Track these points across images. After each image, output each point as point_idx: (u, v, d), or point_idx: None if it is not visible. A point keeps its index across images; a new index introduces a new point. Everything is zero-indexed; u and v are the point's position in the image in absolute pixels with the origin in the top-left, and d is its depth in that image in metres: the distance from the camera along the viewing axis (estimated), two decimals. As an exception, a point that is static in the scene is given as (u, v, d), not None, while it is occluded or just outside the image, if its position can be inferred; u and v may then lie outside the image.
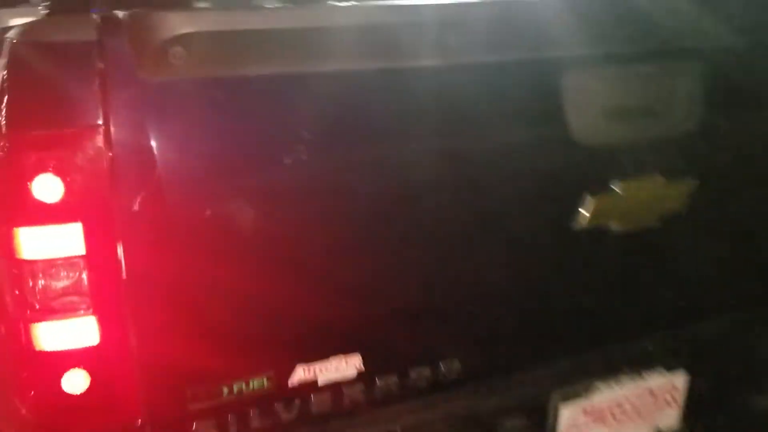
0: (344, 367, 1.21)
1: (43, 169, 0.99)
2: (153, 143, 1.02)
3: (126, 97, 1.01)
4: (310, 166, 1.10)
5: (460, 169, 1.22)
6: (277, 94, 1.09)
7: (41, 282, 1.03)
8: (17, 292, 1.04)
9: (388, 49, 1.16)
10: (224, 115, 1.07)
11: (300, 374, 1.19)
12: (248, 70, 1.08)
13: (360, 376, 1.23)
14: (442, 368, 1.29)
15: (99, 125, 1.00)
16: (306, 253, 1.15)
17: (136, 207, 1.02)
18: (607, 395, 1.46)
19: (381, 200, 1.17)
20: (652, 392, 1.50)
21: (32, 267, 1.02)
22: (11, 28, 1.06)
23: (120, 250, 1.03)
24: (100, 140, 1.00)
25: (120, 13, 1.03)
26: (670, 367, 1.51)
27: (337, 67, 1.11)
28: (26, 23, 1.13)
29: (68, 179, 1.00)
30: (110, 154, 1.00)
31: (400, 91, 1.17)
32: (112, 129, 1.00)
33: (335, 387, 1.21)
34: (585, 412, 1.44)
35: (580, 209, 1.31)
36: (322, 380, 1.20)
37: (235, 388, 1.15)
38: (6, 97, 0.99)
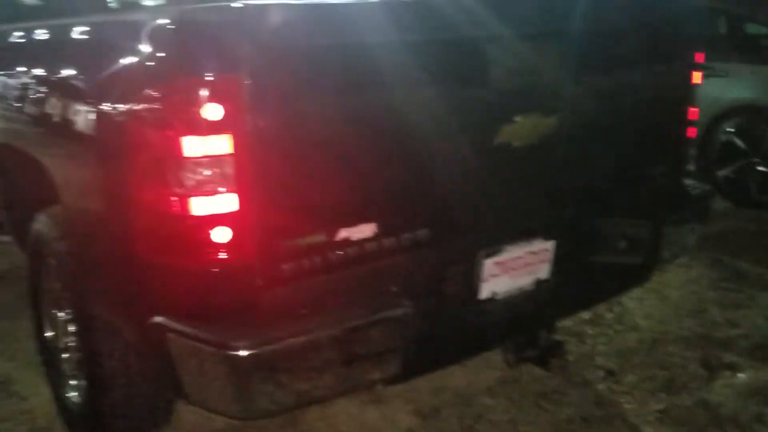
0: (366, 230, 1.94)
1: (212, 100, 1.64)
2: (274, 86, 1.69)
3: (257, 57, 1.66)
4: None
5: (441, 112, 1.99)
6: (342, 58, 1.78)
7: (204, 171, 1.67)
8: (188, 179, 1.67)
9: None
10: (317, 71, 1.75)
11: (342, 233, 1.90)
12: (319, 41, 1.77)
13: (374, 236, 1.95)
14: (419, 234, 2.06)
15: (244, 74, 1.65)
16: (351, 166, 1.86)
17: (263, 125, 1.69)
18: (509, 254, 2.28)
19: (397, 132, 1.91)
20: (534, 253, 2.36)
21: (199, 160, 1.66)
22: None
23: (253, 152, 1.69)
24: (245, 83, 1.65)
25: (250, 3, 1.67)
26: (546, 237, 2.37)
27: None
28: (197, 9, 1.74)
29: (226, 106, 1.65)
30: (250, 92, 1.66)
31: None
32: (250, 77, 1.66)
33: (360, 242, 1.94)
34: (496, 264, 2.26)
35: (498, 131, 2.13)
36: (354, 237, 1.92)
37: (307, 240, 1.84)
38: (193, 58, 1.63)
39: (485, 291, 2.26)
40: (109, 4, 2.38)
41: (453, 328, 2.17)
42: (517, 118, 2.14)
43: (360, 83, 1.83)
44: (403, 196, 2.01)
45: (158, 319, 1.81)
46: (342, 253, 1.89)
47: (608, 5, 2.41)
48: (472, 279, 2.21)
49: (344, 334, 1.80)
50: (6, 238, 4.51)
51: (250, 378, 1.73)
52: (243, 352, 1.69)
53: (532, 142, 2.20)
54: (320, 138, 1.79)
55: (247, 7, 1.65)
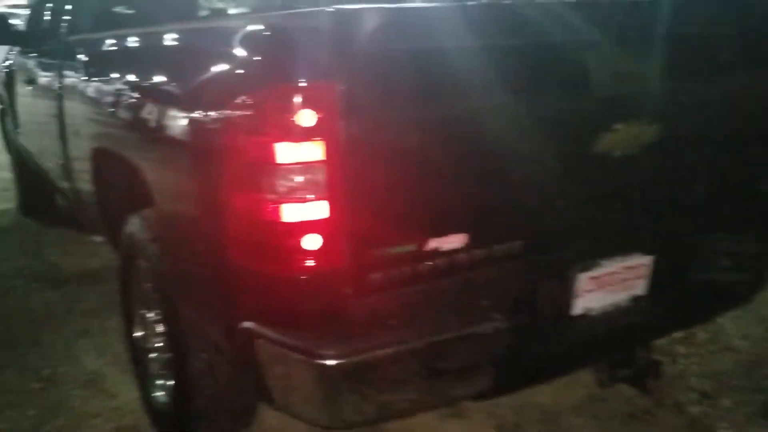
0: (456, 241, 1.89)
1: (305, 106, 1.62)
2: (367, 93, 1.66)
3: (351, 63, 1.64)
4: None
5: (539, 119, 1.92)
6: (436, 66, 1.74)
7: (295, 178, 1.66)
8: (279, 185, 1.66)
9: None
10: (411, 77, 1.71)
11: (432, 243, 1.85)
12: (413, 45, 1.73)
13: (465, 247, 1.90)
14: (511, 246, 1.99)
15: (338, 80, 1.63)
16: (444, 175, 1.81)
17: (356, 132, 1.66)
18: (605, 269, 2.18)
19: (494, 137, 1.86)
20: (631, 268, 2.25)
21: (292, 167, 1.65)
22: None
23: (345, 159, 1.67)
24: (339, 90, 1.63)
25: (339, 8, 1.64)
26: (643, 252, 2.25)
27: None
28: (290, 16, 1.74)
29: (319, 113, 1.63)
30: (344, 99, 1.63)
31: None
32: (344, 83, 1.63)
33: (451, 252, 1.88)
34: (590, 279, 2.17)
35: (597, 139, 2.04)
36: (444, 248, 1.87)
37: (396, 250, 1.80)
38: (286, 64, 1.62)
39: (579, 307, 2.17)
40: (200, 12, 2.41)
41: (545, 345, 2.09)
42: (618, 126, 2.04)
43: (454, 90, 1.78)
44: (495, 206, 1.95)
45: (247, 324, 1.81)
46: (432, 263, 1.85)
47: (714, 8, 2.28)
48: (565, 294, 2.13)
49: (433, 347, 1.75)
50: (99, 238, 4.68)
51: (337, 387, 1.70)
52: (331, 362, 1.67)
53: (632, 151, 2.10)
54: (413, 146, 1.75)
55: (340, 11, 1.62)
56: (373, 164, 1.71)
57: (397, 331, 1.76)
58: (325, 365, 1.67)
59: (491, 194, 1.93)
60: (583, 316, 2.19)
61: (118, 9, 3.55)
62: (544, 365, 2.12)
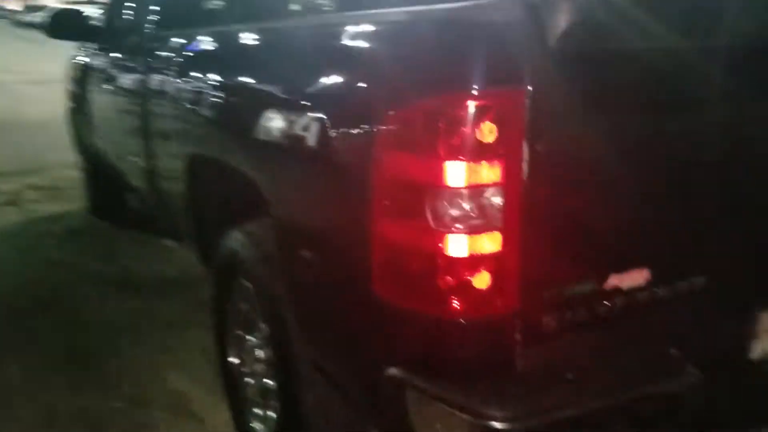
0: (637, 277, 1.61)
1: (484, 119, 1.35)
2: (559, 103, 1.38)
3: (543, 66, 1.36)
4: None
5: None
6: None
7: (466, 203, 1.39)
8: (444, 212, 1.39)
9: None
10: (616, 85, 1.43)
11: (612, 281, 1.57)
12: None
13: (646, 284, 1.62)
14: (694, 281, 1.70)
15: (525, 87, 1.36)
16: (633, 201, 1.54)
17: (542, 150, 1.38)
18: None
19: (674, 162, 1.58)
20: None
21: (464, 191, 1.38)
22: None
23: (526, 183, 1.39)
24: (526, 99, 1.36)
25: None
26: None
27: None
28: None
29: (501, 127, 1.36)
30: (531, 110, 1.36)
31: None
32: (533, 91, 1.36)
33: (632, 291, 1.60)
34: (771, 317, 1.87)
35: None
36: (625, 286, 1.59)
37: (575, 289, 1.53)
38: (459, 67, 1.35)
39: (757, 350, 1.86)
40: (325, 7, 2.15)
41: (726, 396, 1.80)
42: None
43: (663, 100, 1.51)
44: (680, 234, 1.67)
45: (394, 371, 1.55)
46: (611, 304, 1.58)
47: None
48: (746, 335, 1.83)
49: (623, 406, 1.47)
50: (172, 243, 4.50)
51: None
52: (503, 425, 1.40)
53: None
54: (604, 166, 1.47)
55: (529, 1, 1.35)
56: (557, 189, 1.44)
57: (578, 386, 1.48)
58: (495, 429, 1.40)
59: (677, 220, 1.65)
60: (762, 362, 1.88)
61: (210, 4, 3.33)
62: (723, 420, 1.82)
